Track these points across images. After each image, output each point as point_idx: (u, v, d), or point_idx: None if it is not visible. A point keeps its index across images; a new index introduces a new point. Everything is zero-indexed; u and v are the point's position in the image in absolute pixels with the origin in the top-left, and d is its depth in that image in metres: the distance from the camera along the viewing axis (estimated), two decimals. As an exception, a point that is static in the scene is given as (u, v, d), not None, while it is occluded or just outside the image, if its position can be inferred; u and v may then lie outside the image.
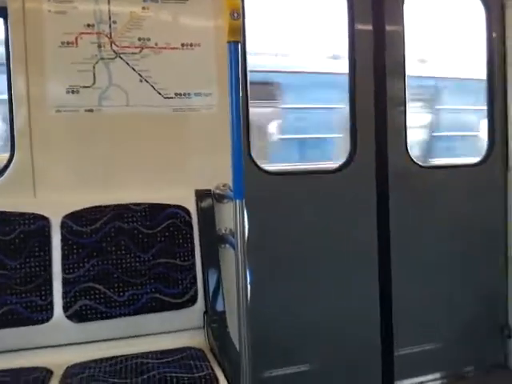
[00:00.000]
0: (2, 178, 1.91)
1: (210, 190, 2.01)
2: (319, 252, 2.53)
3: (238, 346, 1.54)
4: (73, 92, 1.94)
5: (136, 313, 1.77)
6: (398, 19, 2.65)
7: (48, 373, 1.59)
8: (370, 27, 2.61)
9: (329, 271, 2.54)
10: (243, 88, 2.25)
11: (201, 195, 1.98)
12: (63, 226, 1.80)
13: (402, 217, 2.65)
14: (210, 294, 1.84)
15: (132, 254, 1.81)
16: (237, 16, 1.38)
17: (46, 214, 1.80)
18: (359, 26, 2.59)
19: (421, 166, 2.73)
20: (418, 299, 2.69)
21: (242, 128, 1.61)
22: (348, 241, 2.57)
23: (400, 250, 2.64)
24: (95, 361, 1.63)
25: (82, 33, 1.94)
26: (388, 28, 2.63)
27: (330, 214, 2.54)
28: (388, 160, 2.63)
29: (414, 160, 2.71)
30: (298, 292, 2.49)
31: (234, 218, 1.49)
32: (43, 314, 1.71)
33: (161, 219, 1.88)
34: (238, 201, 1.45)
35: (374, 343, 2.67)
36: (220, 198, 2.02)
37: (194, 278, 1.84)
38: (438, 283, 2.74)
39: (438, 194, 2.73)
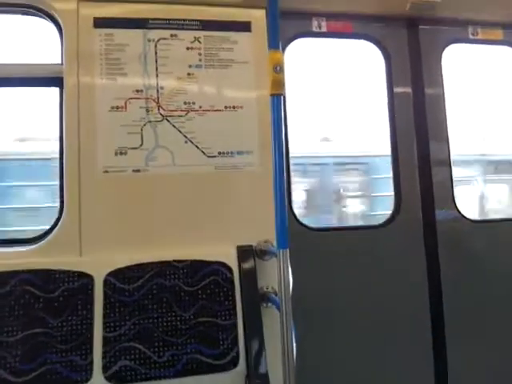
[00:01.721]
0: (50, 236, 1.97)
1: (251, 246, 1.99)
2: (366, 310, 2.40)
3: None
4: (121, 153, 2.03)
5: (176, 375, 1.70)
6: (438, 79, 2.66)
7: None
8: (409, 90, 2.62)
9: (375, 332, 2.39)
10: (284, 143, 2.28)
11: (242, 251, 1.95)
12: (106, 283, 1.81)
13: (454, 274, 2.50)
14: (252, 357, 1.76)
15: (173, 313, 1.78)
16: (279, 70, 1.43)
17: (89, 272, 1.82)
18: (398, 89, 2.61)
19: (471, 221, 2.62)
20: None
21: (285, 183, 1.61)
22: (397, 298, 2.43)
23: (453, 310, 2.47)
24: None
25: (131, 98, 2.05)
26: (427, 90, 2.63)
27: (377, 270, 2.44)
28: (435, 215, 2.54)
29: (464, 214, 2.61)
30: (341, 354, 2.35)
31: (277, 270, 1.45)
32: (82, 374, 1.67)
33: (202, 276, 1.86)
34: (282, 251, 1.41)
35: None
36: (262, 254, 1.99)
37: (236, 338, 1.77)
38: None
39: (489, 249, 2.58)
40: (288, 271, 1.49)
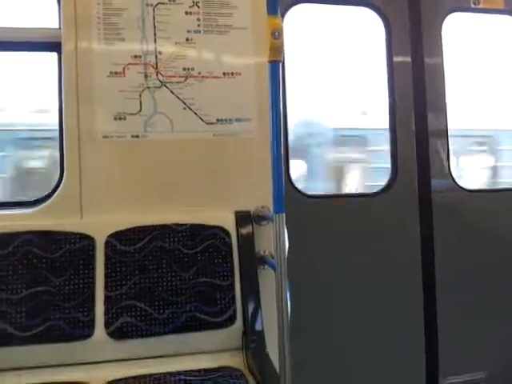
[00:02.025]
0: (51, 200, 2.00)
1: (249, 212, 2.03)
2: (360, 275, 2.47)
3: (277, 367, 1.50)
4: (120, 119, 2.04)
5: (176, 331, 1.77)
6: (437, 50, 2.65)
7: None
8: (408, 59, 2.62)
9: (369, 296, 2.47)
10: (282, 110, 2.30)
11: (240, 217, 2.00)
12: (107, 245, 1.85)
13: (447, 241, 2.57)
14: (249, 315, 1.83)
15: (173, 273, 1.83)
16: (278, 35, 1.44)
17: (90, 234, 1.87)
18: (398, 58, 2.60)
19: (466, 190, 2.67)
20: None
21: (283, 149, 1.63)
22: (390, 263, 2.50)
23: (445, 277, 2.54)
24: (134, 377, 1.63)
25: (130, 63, 2.05)
26: (427, 60, 2.63)
27: (370, 236, 2.49)
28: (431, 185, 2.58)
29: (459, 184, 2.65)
30: (336, 317, 2.43)
31: (273, 234, 1.50)
32: (85, 330, 1.74)
33: (201, 239, 1.90)
34: (278, 215, 1.45)
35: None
36: (259, 219, 2.03)
37: (233, 297, 1.84)
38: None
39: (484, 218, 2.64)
40: (284, 234, 1.53)
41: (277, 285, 1.53)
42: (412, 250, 2.55)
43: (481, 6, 2.67)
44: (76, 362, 1.73)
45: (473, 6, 2.67)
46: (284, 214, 1.51)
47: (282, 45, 1.48)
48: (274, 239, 1.53)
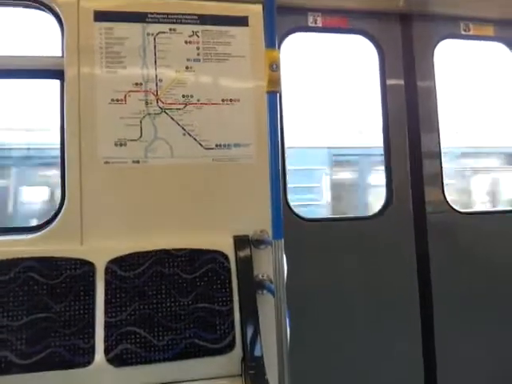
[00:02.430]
0: (52, 225, 2.02)
1: (247, 236, 2.05)
2: (358, 298, 2.49)
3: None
4: (121, 145, 2.08)
5: (175, 358, 1.78)
6: (430, 73, 2.72)
7: None
8: (401, 83, 2.68)
9: (367, 318, 2.48)
10: (280, 137, 2.35)
11: (239, 241, 2.02)
12: (107, 271, 1.87)
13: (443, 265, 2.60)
14: (248, 340, 1.83)
15: (172, 299, 1.85)
16: (275, 68, 1.48)
17: (91, 260, 1.88)
18: (391, 82, 2.67)
19: (460, 213, 2.70)
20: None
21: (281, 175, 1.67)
22: (387, 287, 2.52)
23: (442, 301, 2.56)
24: None
25: (131, 91, 2.10)
26: (420, 83, 2.69)
27: (368, 259, 2.52)
28: (425, 206, 2.62)
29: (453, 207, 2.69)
30: (335, 340, 2.44)
31: (273, 260, 1.52)
32: (85, 357, 1.74)
33: (200, 264, 1.93)
34: (276, 241, 1.47)
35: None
36: (258, 243, 2.06)
37: (232, 323, 1.85)
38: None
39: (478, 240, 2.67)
40: (283, 260, 1.55)
41: (276, 310, 1.55)
42: (408, 270, 2.58)
43: (471, 33, 2.75)
44: None
45: (463, 32, 2.75)
46: (282, 240, 1.54)
47: (279, 76, 1.53)
48: (274, 265, 1.56)
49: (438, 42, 2.72)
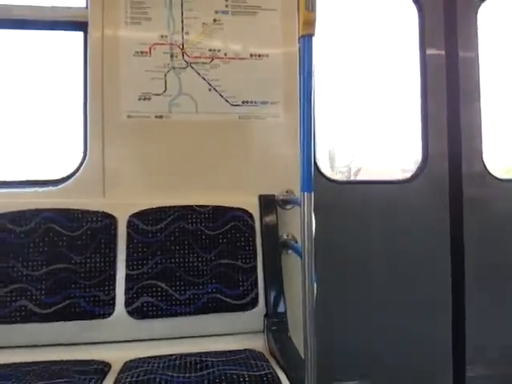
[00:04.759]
0: (74, 178, 1.99)
1: (273, 196, 1.98)
2: (386, 266, 2.40)
3: (301, 351, 1.44)
4: (144, 99, 2.02)
5: (196, 312, 1.73)
6: (473, 45, 2.57)
7: (106, 366, 1.57)
8: (442, 53, 2.55)
9: (396, 285, 2.40)
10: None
11: (264, 200, 1.95)
12: (129, 224, 1.83)
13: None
14: (271, 298, 1.78)
15: (195, 254, 1.79)
16: (311, 8, 1.38)
17: (113, 213, 1.84)
18: (431, 51, 2.53)
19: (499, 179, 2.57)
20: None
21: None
22: (418, 256, 2.43)
23: (475, 270, 2.46)
24: (154, 357, 1.59)
25: (156, 43, 2.03)
26: (461, 55, 2.55)
27: (398, 226, 2.42)
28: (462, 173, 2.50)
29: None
30: (363, 304, 2.37)
31: (301, 213, 1.43)
32: (105, 308, 1.71)
33: (224, 221, 1.86)
34: (306, 194, 1.38)
35: (443, 358, 2.46)
36: (283, 203, 1.99)
37: (256, 280, 1.79)
38: None
39: None
40: (311, 215, 1.47)
41: (302, 264, 1.47)
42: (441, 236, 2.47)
43: None
44: (95, 341, 1.70)
45: None
46: (312, 194, 1.46)
47: (315, 18, 1.42)
48: (302, 218, 1.48)
49: (481, 2, 2.55)
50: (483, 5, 2.57)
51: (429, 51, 2.52)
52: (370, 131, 2.79)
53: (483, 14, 2.58)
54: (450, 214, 2.49)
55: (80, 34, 2.11)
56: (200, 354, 1.59)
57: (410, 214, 2.45)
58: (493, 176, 2.55)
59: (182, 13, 2.05)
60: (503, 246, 2.54)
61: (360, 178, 2.83)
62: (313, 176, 1.51)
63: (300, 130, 1.55)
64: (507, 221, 2.54)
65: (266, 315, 1.77)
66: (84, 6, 2.07)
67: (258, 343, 1.72)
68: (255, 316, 1.77)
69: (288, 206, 1.99)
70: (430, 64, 2.52)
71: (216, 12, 2.08)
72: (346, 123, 2.81)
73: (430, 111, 2.50)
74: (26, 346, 1.68)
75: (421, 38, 2.53)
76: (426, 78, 2.51)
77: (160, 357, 1.59)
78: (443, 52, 2.54)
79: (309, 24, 1.44)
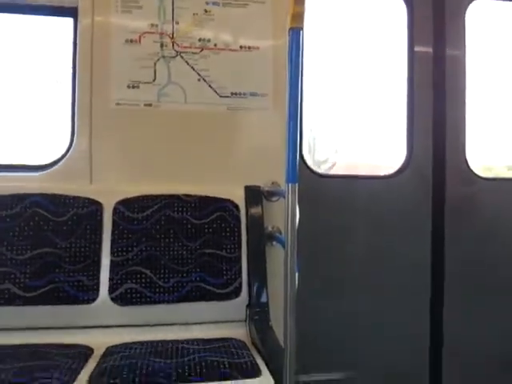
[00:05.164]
0: (61, 163, 1.99)
1: (259, 187, 2.00)
2: (369, 259, 2.44)
3: (281, 340, 1.47)
4: (133, 87, 2.02)
5: (180, 300, 1.75)
6: (460, 44, 2.60)
7: (89, 350, 1.58)
8: (430, 51, 2.58)
9: (378, 279, 2.44)
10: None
11: (250, 191, 1.97)
12: (115, 211, 1.84)
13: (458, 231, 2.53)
14: (255, 288, 1.80)
15: (180, 243, 1.81)
16: (300, 2, 1.39)
17: (99, 199, 1.85)
18: (419, 49, 2.56)
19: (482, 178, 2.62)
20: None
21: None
22: (400, 250, 2.47)
23: (455, 270, 2.51)
24: (136, 343, 1.61)
25: (146, 32, 2.03)
26: (449, 53, 2.59)
27: (382, 220, 2.46)
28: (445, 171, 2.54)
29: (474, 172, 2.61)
30: (344, 298, 2.41)
31: (285, 204, 1.46)
32: (89, 293, 1.72)
33: (210, 211, 1.88)
34: (290, 185, 1.40)
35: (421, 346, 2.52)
36: (269, 195, 2.01)
37: (239, 270, 1.81)
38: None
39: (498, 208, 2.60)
40: (295, 206, 1.49)
41: (285, 253, 1.49)
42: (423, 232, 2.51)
43: None
44: (78, 326, 1.72)
45: None
46: (297, 184, 1.48)
47: (303, 11, 1.44)
48: (286, 209, 1.50)
49: (470, 2, 2.59)
50: (472, 4, 2.60)
51: (417, 48, 2.55)
52: (355, 127, 2.82)
53: (472, 14, 2.62)
54: (433, 208, 2.54)
55: (70, 20, 2.10)
56: (182, 341, 1.61)
57: (393, 208, 2.49)
58: (475, 174, 2.60)
59: (173, 2, 2.05)
60: (484, 240, 2.59)
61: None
62: (298, 168, 1.53)
63: (287, 121, 1.57)
64: (487, 217, 2.59)
65: (249, 305, 1.80)
66: (74, -9, 2.06)
67: (240, 332, 1.74)
68: (238, 305, 1.79)
69: (274, 198, 2.01)
70: (417, 61, 2.55)
71: (207, 3, 2.08)
72: (331, 117, 2.84)
73: (417, 108, 2.53)
74: (9, 329, 1.68)
75: (409, 34, 2.56)
76: (412, 75, 2.54)
77: (142, 343, 1.61)
78: (431, 50, 2.57)
79: (297, 17, 1.46)
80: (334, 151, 2.97)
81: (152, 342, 1.61)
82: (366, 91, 2.75)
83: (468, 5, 2.59)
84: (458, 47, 2.59)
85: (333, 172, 2.86)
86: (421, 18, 2.55)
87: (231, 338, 1.66)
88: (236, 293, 1.79)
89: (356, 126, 2.83)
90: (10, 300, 1.68)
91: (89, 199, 1.84)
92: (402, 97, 2.61)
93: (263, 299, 1.79)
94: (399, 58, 2.61)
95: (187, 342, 1.61)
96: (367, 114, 2.79)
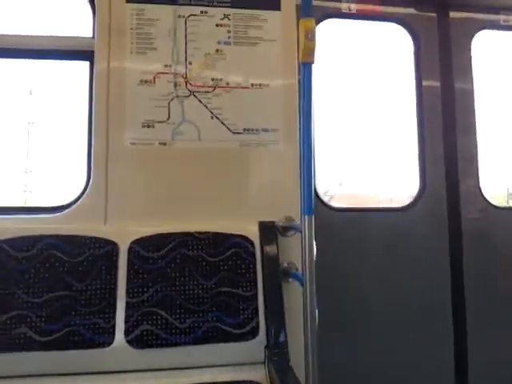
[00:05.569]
0: (76, 205, 2.00)
1: (273, 222, 1.99)
2: (385, 297, 2.39)
3: (303, 380, 1.43)
4: (148, 126, 2.05)
5: (196, 342, 1.72)
6: (467, 75, 2.62)
7: None
8: (437, 83, 2.59)
9: (394, 317, 2.38)
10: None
11: (264, 227, 1.96)
12: (130, 251, 1.83)
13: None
14: (272, 327, 1.76)
15: (195, 282, 1.79)
16: (311, 37, 1.42)
17: (114, 240, 1.85)
18: (427, 83, 2.58)
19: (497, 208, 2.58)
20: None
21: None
22: (417, 284, 2.42)
23: (476, 301, 2.44)
24: None
25: (160, 72, 2.08)
26: (457, 84, 2.60)
27: (396, 253, 2.43)
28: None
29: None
30: (360, 338, 2.35)
31: (302, 237, 1.44)
32: (105, 337, 1.70)
33: (225, 248, 1.87)
34: (307, 217, 1.39)
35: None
36: (284, 230, 1.99)
37: (256, 309, 1.78)
38: None
39: None
40: (312, 238, 1.48)
41: (304, 290, 1.47)
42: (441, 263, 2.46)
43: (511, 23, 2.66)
44: (94, 371, 1.69)
45: (503, 23, 2.65)
46: (313, 216, 1.47)
47: (314, 46, 1.46)
48: (303, 242, 1.48)
49: (475, 33, 2.61)
50: (477, 35, 2.63)
51: (424, 80, 2.57)
52: (361, 160, 2.82)
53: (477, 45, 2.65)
54: (450, 241, 2.50)
55: (86, 64, 2.16)
56: None
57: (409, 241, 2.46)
58: (491, 204, 2.56)
59: (186, 43, 2.11)
60: (503, 275, 2.53)
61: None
62: (313, 196, 1.53)
63: (300, 153, 1.58)
64: (505, 248, 2.54)
65: (267, 345, 1.76)
66: (91, 36, 2.13)
67: (259, 374, 1.70)
68: (256, 346, 1.75)
69: (288, 233, 1.99)
70: (425, 92, 2.57)
71: (219, 43, 2.13)
72: (337, 150, 2.84)
73: (428, 139, 2.53)
74: (24, 376, 1.66)
75: (416, 66, 2.58)
76: (422, 107, 2.55)
77: None
78: (438, 80, 2.59)
79: (308, 52, 1.50)
80: (338, 184, 2.96)
81: None
82: (372, 122, 2.76)
83: (474, 35, 2.61)
84: (465, 77, 2.60)
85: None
86: (427, 50, 2.58)
87: (250, 381, 1.62)
88: (253, 333, 1.76)
89: (361, 159, 2.83)
90: (26, 345, 1.66)
91: (104, 239, 1.84)
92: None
93: (282, 339, 1.75)
94: (408, 89, 2.63)
95: None
96: (373, 146, 2.79)
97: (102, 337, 1.69)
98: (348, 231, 2.40)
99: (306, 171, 1.45)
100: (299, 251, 1.54)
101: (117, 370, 1.69)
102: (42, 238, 1.82)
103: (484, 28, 2.64)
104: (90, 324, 1.71)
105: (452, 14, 2.59)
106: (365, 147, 2.78)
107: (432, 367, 2.40)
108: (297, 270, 1.91)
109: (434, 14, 2.59)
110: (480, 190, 2.58)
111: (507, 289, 2.52)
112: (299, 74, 1.58)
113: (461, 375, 2.45)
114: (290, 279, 1.92)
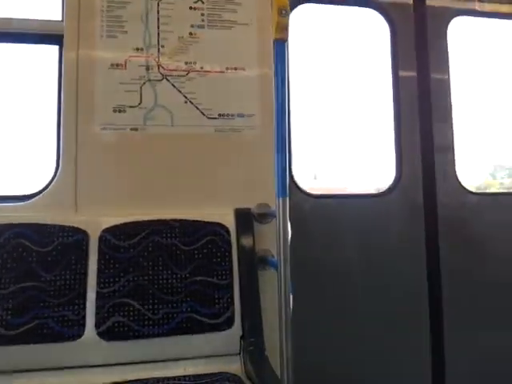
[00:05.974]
0: (46, 192, 1.93)
1: (249, 209, 1.95)
2: (359, 281, 2.39)
3: (278, 371, 1.41)
4: (119, 111, 1.98)
5: (170, 333, 1.67)
6: (443, 62, 2.62)
7: None
8: (414, 71, 2.58)
9: (369, 302, 2.38)
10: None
11: (240, 214, 1.92)
12: (101, 239, 1.77)
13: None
14: (248, 317, 1.73)
15: (169, 271, 1.74)
16: (285, 13, 1.38)
17: (84, 228, 1.78)
18: (403, 70, 2.57)
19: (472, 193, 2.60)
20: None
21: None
22: (392, 270, 2.42)
23: (452, 290, 2.46)
24: (125, 382, 1.52)
25: (131, 56, 2.01)
26: (432, 72, 2.60)
27: (372, 239, 2.43)
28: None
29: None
30: (336, 320, 2.35)
31: (277, 219, 1.41)
32: (75, 329, 1.64)
33: (199, 236, 1.82)
34: (281, 199, 1.36)
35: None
36: (260, 217, 1.95)
37: (232, 298, 1.74)
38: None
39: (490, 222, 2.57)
40: (287, 222, 1.44)
41: (278, 273, 1.44)
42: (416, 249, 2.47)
43: (486, 9, 2.66)
44: (64, 366, 1.63)
45: (478, 9, 2.65)
46: (287, 198, 1.43)
47: (288, 23, 1.42)
48: (277, 226, 1.45)
49: (451, 19, 2.61)
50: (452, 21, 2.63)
51: (401, 73, 2.57)
52: (339, 149, 2.80)
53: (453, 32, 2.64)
54: (426, 227, 2.51)
55: (55, 47, 2.08)
56: (174, 378, 1.53)
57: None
58: (467, 190, 2.58)
59: (159, 26, 2.04)
60: (478, 256, 2.56)
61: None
62: (287, 178, 1.50)
63: (275, 136, 1.54)
64: (481, 232, 2.57)
65: (243, 336, 1.72)
66: (60, 19, 2.04)
67: (234, 365, 1.67)
68: (231, 337, 1.71)
69: (264, 220, 1.96)
70: (401, 81, 2.56)
71: (192, 26, 2.07)
72: (311, 142, 2.82)
73: (403, 128, 2.53)
74: None
75: (392, 50, 2.56)
76: (398, 94, 2.54)
77: (132, 382, 1.53)
78: (415, 70, 2.58)
79: (282, 28, 1.45)
80: (313, 177, 2.94)
81: (142, 381, 1.52)
82: (347, 113, 2.74)
83: (449, 22, 2.61)
84: (441, 64, 2.60)
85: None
86: (404, 37, 2.57)
87: (225, 373, 1.59)
88: (228, 323, 1.72)
89: (336, 152, 2.81)
90: None
91: (74, 228, 1.77)
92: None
93: (257, 328, 1.72)
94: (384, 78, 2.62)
95: (179, 378, 1.53)
96: (348, 138, 2.77)
97: (71, 329, 1.63)
98: (324, 217, 2.38)
99: (281, 154, 1.41)
100: (275, 238, 1.51)
101: (87, 364, 1.63)
102: (9, 226, 1.74)
103: (459, 15, 2.64)
104: (59, 316, 1.64)
105: (428, 1, 2.58)
106: (340, 140, 2.75)
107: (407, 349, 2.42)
108: (273, 256, 1.88)
109: (410, 1, 2.57)
110: (456, 178, 2.59)
111: (482, 274, 2.54)
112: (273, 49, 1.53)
113: (437, 356, 2.47)
114: (267, 267, 1.89)
